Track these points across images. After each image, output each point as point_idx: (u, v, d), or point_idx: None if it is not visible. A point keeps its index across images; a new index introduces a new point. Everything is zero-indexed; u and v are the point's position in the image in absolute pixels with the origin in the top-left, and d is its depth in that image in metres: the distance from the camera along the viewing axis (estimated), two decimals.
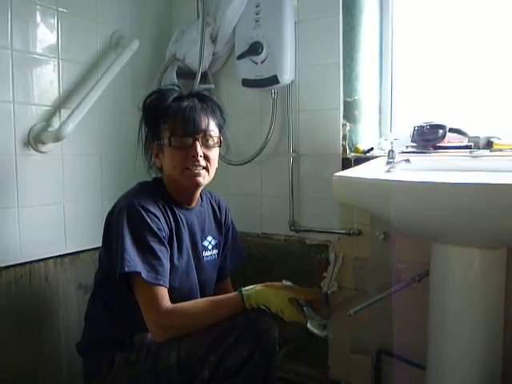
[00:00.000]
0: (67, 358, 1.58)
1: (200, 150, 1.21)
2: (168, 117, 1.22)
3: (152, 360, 1.17)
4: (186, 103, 1.23)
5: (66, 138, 1.47)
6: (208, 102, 1.27)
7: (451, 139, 1.49)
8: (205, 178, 1.24)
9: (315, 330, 1.11)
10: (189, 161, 1.21)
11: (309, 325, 1.11)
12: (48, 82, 1.52)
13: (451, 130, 1.47)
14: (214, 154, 1.26)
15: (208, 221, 1.38)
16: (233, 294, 1.19)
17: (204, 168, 1.23)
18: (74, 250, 1.61)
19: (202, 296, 1.29)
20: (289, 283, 1.26)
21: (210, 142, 1.24)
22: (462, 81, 1.56)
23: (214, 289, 1.39)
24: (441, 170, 1.33)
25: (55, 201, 1.56)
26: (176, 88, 1.30)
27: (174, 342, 1.15)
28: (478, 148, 1.41)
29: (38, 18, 1.49)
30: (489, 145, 1.41)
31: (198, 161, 1.21)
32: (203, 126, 1.22)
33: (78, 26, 1.60)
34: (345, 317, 1.51)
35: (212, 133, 1.24)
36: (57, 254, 1.56)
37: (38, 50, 1.49)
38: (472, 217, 1.05)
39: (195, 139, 1.21)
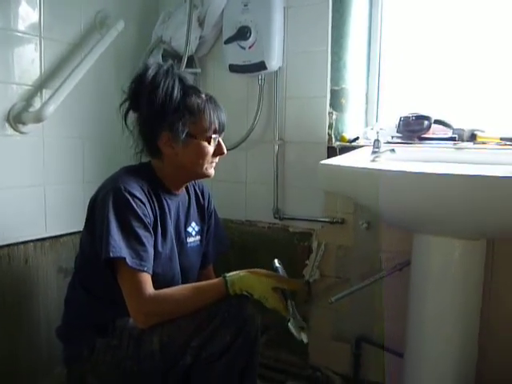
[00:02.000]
0: (47, 342, 1.57)
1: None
2: (194, 111, 1.21)
3: (134, 345, 1.16)
4: (204, 96, 1.25)
5: (47, 119, 1.44)
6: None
7: (436, 131, 1.50)
8: None
9: (294, 332, 1.12)
10: (214, 157, 1.27)
11: (289, 324, 1.12)
12: (29, 60, 1.48)
13: (436, 122, 1.49)
14: None
15: (192, 207, 1.37)
16: (216, 279, 1.19)
17: None
18: (55, 234, 1.59)
19: (185, 283, 1.28)
20: (279, 264, 1.27)
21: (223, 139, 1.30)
22: (448, 73, 1.57)
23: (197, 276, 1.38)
24: (425, 160, 1.34)
25: (35, 183, 1.53)
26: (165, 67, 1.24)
27: (157, 327, 1.14)
28: (462, 140, 1.43)
29: None
30: (473, 137, 1.43)
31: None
32: (226, 125, 1.28)
33: (62, 4, 1.55)
34: (326, 304, 1.53)
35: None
36: (37, 237, 1.54)
37: (20, 28, 1.45)
38: (454, 208, 1.07)
39: (220, 137, 1.27)
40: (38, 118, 1.43)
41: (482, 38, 1.51)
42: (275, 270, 1.26)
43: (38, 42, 1.50)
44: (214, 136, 1.24)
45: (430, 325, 1.23)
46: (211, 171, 1.29)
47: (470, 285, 1.21)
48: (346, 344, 1.65)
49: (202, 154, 1.24)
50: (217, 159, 1.29)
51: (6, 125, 1.43)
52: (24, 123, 1.46)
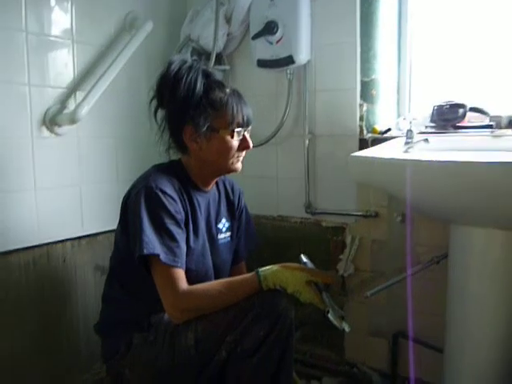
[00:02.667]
0: (85, 339, 1.60)
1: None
2: (218, 105, 1.21)
3: (169, 340, 1.18)
4: (228, 90, 1.25)
5: (82, 121, 1.47)
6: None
7: (472, 119, 1.45)
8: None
9: (335, 322, 1.11)
10: (239, 151, 1.26)
11: (330, 315, 1.11)
12: (63, 64, 1.52)
13: (472, 109, 1.44)
14: None
15: (222, 203, 1.38)
16: (249, 274, 1.18)
17: None
18: (91, 232, 1.62)
19: (217, 279, 1.29)
20: (307, 259, 1.26)
21: (250, 134, 1.29)
22: (482, 58, 1.52)
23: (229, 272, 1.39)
24: (461, 149, 1.30)
25: (72, 183, 1.57)
26: (193, 64, 1.25)
27: (192, 322, 1.15)
28: (500, 127, 1.38)
29: (52, 1, 1.48)
30: (511, 124, 1.37)
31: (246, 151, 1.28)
32: (252, 119, 1.27)
33: (92, 8, 1.59)
34: (361, 299, 1.51)
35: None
36: (74, 235, 1.58)
37: (53, 33, 1.49)
38: (493, 197, 1.03)
39: (245, 131, 1.26)
40: (73, 120, 1.46)
41: None
42: (303, 264, 1.25)
43: (71, 45, 1.54)
44: (237, 130, 1.23)
45: (471, 319, 1.20)
46: (238, 165, 1.28)
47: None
48: (382, 339, 1.62)
49: (225, 147, 1.23)
50: (243, 153, 1.28)
51: (43, 127, 1.48)
52: (59, 125, 1.50)
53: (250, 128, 1.28)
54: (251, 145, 1.27)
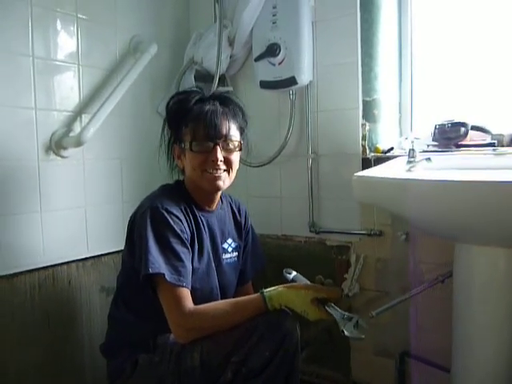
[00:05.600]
0: (91, 360, 1.60)
1: (220, 154, 1.23)
2: (189, 120, 1.25)
3: (175, 361, 1.18)
4: (207, 107, 1.25)
5: (87, 143, 1.49)
6: (230, 105, 1.29)
7: (474, 137, 1.46)
8: (225, 182, 1.26)
9: (354, 336, 1.10)
10: (208, 164, 1.23)
11: (347, 333, 1.10)
12: (69, 87, 1.55)
13: (473, 128, 1.45)
14: (235, 157, 1.28)
15: (228, 223, 1.39)
16: (255, 295, 1.19)
17: (225, 170, 1.26)
18: (96, 254, 1.63)
19: (222, 299, 1.29)
20: (293, 273, 1.28)
21: (231, 146, 1.26)
22: (484, 76, 1.53)
23: (235, 293, 1.39)
24: (463, 168, 1.31)
25: (77, 205, 1.58)
26: (198, 90, 1.32)
27: (197, 343, 1.15)
28: (502, 146, 1.39)
29: (59, 25, 1.51)
30: None
31: (218, 165, 1.23)
32: (224, 131, 1.24)
33: (98, 32, 1.62)
34: (367, 318, 1.50)
35: (233, 137, 1.26)
36: (79, 257, 1.58)
37: (59, 57, 1.52)
38: (496, 215, 1.03)
39: (216, 144, 1.23)
40: (79, 142, 1.48)
41: None
42: (292, 280, 1.26)
43: (77, 69, 1.57)
44: (206, 144, 1.23)
45: (477, 338, 1.18)
46: (214, 182, 1.24)
47: None
48: (389, 359, 1.61)
49: (191, 161, 1.25)
50: (219, 167, 1.23)
51: (49, 150, 1.50)
52: (65, 148, 1.51)
53: (229, 142, 1.25)
54: (219, 157, 1.22)
